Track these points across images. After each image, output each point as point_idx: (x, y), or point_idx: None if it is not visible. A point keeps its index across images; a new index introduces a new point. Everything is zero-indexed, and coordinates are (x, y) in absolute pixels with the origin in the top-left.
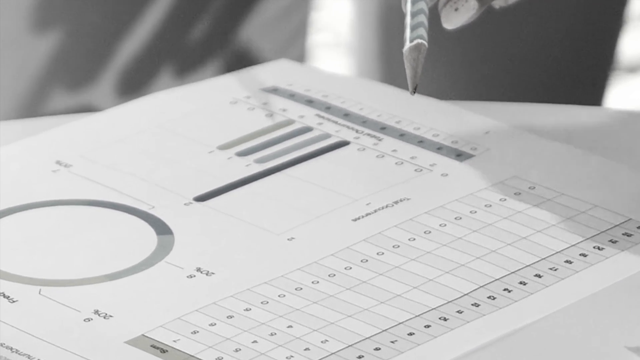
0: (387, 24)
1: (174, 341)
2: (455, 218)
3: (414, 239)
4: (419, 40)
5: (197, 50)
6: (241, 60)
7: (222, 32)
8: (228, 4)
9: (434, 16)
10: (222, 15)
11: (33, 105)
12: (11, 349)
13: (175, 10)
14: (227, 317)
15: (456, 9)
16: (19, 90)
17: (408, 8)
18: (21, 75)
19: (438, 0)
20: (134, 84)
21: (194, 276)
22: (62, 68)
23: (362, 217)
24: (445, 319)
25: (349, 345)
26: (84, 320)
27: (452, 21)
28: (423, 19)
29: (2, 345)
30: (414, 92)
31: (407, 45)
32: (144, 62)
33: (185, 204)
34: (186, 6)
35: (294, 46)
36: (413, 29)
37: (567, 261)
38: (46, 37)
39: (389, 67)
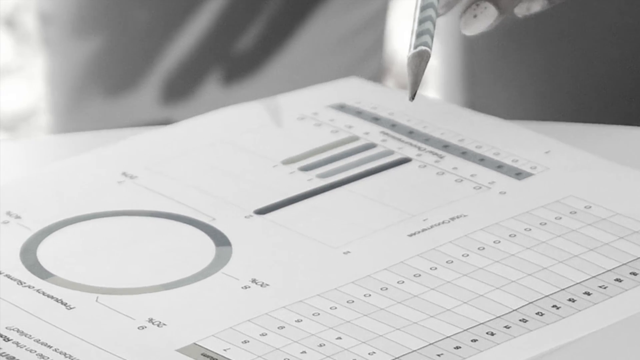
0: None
1: (225, 350)
2: (510, 235)
3: (468, 255)
4: (423, 48)
5: (247, 58)
6: (297, 73)
7: (274, 40)
8: (280, 13)
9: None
10: (275, 23)
11: (74, 111)
12: (65, 354)
13: (223, 16)
14: (278, 327)
15: (475, 16)
16: (60, 95)
17: (416, 15)
18: (63, 80)
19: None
20: (178, 91)
21: (249, 287)
22: (104, 74)
23: (418, 232)
24: (492, 334)
25: (396, 358)
26: (138, 328)
27: (471, 28)
28: (430, 26)
29: (55, 350)
30: (413, 99)
31: (411, 51)
32: (189, 69)
33: (245, 217)
34: (235, 12)
35: (368, 64)
36: (418, 35)
37: (616, 279)
38: (88, 43)
39: (472, 90)
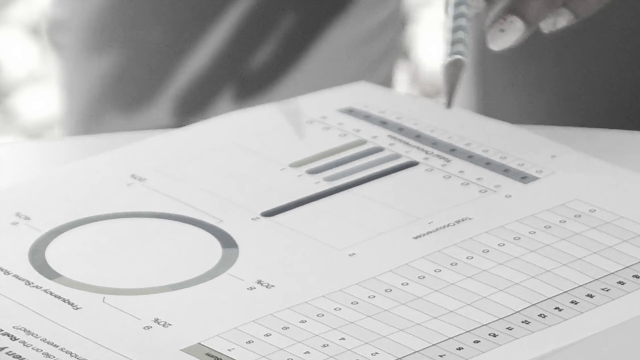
0: (482, 53)
1: (229, 350)
2: (514, 238)
3: (472, 257)
4: (458, 56)
5: (260, 75)
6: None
7: (287, 57)
8: (294, 30)
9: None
10: (289, 40)
11: (90, 127)
12: (70, 353)
13: (237, 34)
14: (283, 328)
15: (502, 30)
16: (75, 111)
17: (449, 24)
18: (77, 96)
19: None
20: (192, 108)
21: (254, 288)
22: (119, 90)
23: (424, 235)
24: (494, 335)
25: (399, 359)
26: (144, 328)
27: (498, 42)
28: (463, 35)
29: (62, 349)
30: (449, 106)
31: (445, 60)
32: (203, 86)
33: (252, 219)
34: (249, 29)
35: (380, 71)
36: (452, 44)
37: (619, 282)
38: (103, 59)
39: (484, 96)
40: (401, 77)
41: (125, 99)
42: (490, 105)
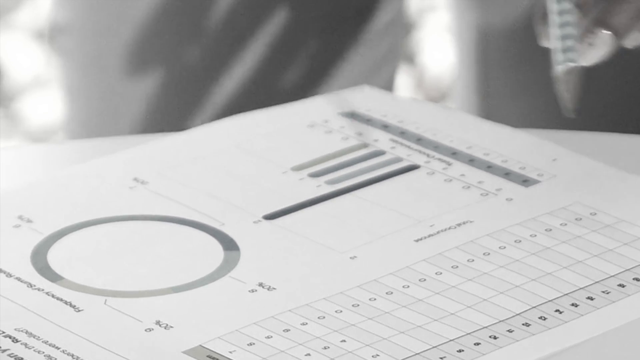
0: (485, 57)
1: (230, 352)
2: (515, 241)
3: (473, 260)
4: (571, 64)
5: (292, 95)
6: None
7: (318, 77)
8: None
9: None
10: (318, 60)
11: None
12: (72, 355)
13: (269, 54)
14: (284, 330)
15: (591, 44)
16: (114, 134)
17: (556, 32)
18: (115, 118)
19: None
20: None
21: (256, 291)
22: (157, 112)
23: (425, 238)
24: (495, 337)
25: None
26: (145, 330)
27: (587, 57)
28: (572, 43)
29: (63, 351)
30: (573, 114)
31: (560, 69)
32: (239, 105)
33: (254, 222)
34: (279, 51)
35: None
36: (563, 52)
37: (619, 285)
38: (141, 82)
39: (487, 100)
40: (406, 82)
41: (164, 121)
42: (493, 108)
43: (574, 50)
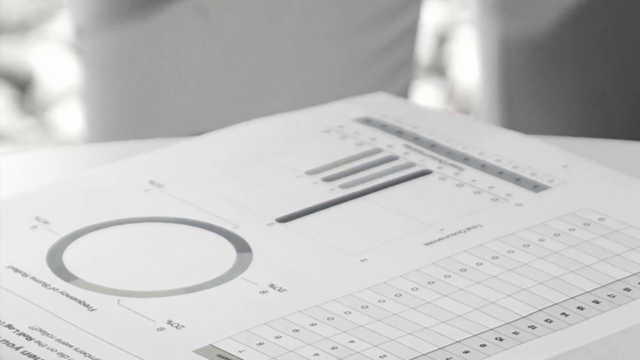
0: (508, 67)
1: (240, 351)
2: (524, 245)
3: (482, 264)
4: None
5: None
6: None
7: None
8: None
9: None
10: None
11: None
12: (84, 353)
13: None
14: (293, 330)
15: None
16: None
17: None
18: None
19: None
20: None
21: (267, 292)
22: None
23: (435, 241)
24: (500, 339)
25: None
26: (157, 329)
27: None
28: None
29: (76, 350)
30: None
31: None
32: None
33: (267, 224)
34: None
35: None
36: None
37: (625, 289)
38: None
39: (509, 110)
40: (437, 95)
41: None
42: (516, 119)
43: None
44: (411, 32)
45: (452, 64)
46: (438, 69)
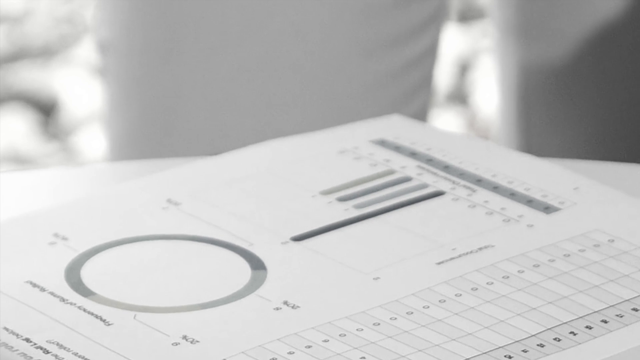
0: (526, 92)
1: None
2: (534, 265)
3: (492, 283)
4: None
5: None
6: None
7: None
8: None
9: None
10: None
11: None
12: None
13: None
14: (306, 346)
15: None
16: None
17: None
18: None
19: None
20: None
21: (280, 308)
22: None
23: (446, 261)
24: (509, 357)
25: None
26: (172, 344)
27: None
28: None
29: None
30: None
31: None
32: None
33: (282, 243)
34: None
35: (414, 102)
36: None
37: (633, 309)
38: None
39: (528, 133)
40: (458, 123)
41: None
42: (533, 142)
43: None
44: (430, 54)
45: (473, 92)
46: (459, 97)
